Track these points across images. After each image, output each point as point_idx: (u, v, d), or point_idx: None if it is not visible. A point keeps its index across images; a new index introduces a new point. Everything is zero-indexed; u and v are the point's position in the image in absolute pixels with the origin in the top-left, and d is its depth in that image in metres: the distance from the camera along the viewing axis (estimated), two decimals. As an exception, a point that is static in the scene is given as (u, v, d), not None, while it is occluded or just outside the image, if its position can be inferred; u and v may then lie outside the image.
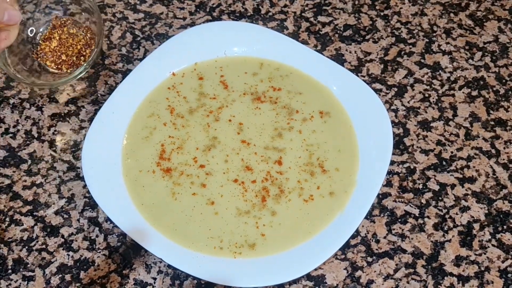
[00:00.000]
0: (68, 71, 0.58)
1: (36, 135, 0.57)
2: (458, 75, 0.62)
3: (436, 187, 0.54)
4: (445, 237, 0.51)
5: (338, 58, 0.62)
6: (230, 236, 0.49)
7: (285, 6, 0.67)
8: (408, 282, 0.49)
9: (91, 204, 0.53)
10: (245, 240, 0.49)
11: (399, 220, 0.52)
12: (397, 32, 0.65)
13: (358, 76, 0.59)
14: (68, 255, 0.50)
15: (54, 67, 0.58)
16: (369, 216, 0.52)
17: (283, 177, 0.52)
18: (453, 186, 0.54)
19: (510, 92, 0.60)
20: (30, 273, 0.49)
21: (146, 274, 0.49)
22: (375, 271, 0.49)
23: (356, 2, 0.68)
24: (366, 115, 0.55)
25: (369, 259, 0.50)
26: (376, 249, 0.50)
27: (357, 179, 0.52)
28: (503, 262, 0.50)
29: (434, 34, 0.65)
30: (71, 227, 0.51)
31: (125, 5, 0.67)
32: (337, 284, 0.49)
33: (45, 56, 0.58)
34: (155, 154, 0.54)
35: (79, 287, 0.48)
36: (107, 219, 0.52)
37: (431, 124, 0.58)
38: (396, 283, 0.49)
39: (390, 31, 0.65)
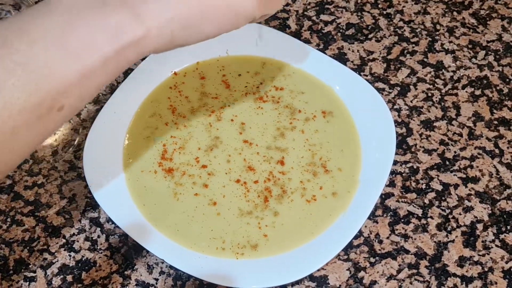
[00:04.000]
0: None
1: (37, 135, 0.56)
2: (461, 74, 0.61)
3: (439, 187, 0.54)
4: (448, 238, 0.51)
5: (341, 57, 0.62)
6: (232, 237, 0.49)
7: (287, 4, 0.67)
8: (411, 283, 0.48)
9: (93, 204, 0.52)
10: (248, 241, 0.49)
11: (402, 220, 0.52)
12: (400, 31, 0.65)
13: (360, 75, 0.59)
14: (70, 255, 0.50)
15: None
16: (372, 216, 0.52)
17: (286, 177, 0.52)
18: (456, 186, 0.54)
19: (513, 91, 0.60)
20: (32, 274, 0.49)
21: (148, 274, 0.49)
22: (378, 272, 0.49)
23: (359, 1, 0.67)
24: (368, 115, 0.55)
25: (372, 259, 0.50)
26: (379, 250, 0.50)
27: (360, 179, 0.52)
28: (506, 262, 0.50)
29: (437, 32, 0.65)
30: (73, 227, 0.51)
31: (127, 4, 0.66)
32: (340, 285, 0.48)
33: None
34: (156, 154, 0.53)
35: (80, 288, 0.48)
36: (109, 220, 0.52)
37: (434, 124, 0.58)
38: (399, 283, 0.48)
39: (392, 30, 0.65)
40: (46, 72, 0.30)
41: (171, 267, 0.49)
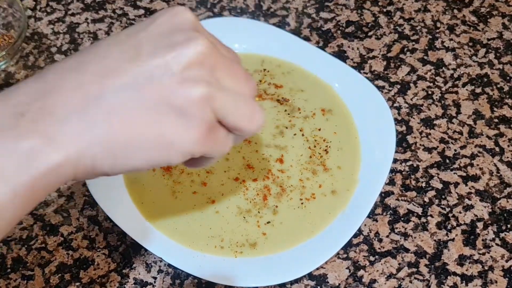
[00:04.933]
0: None
1: (35, 133, 0.56)
2: (462, 72, 0.61)
3: (439, 186, 0.53)
4: (448, 236, 0.51)
5: (341, 55, 0.62)
6: (231, 235, 0.49)
7: (287, 2, 0.66)
8: (411, 282, 0.48)
9: (91, 202, 0.52)
10: (246, 239, 0.49)
11: (402, 219, 0.52)
12: (400, 29, 0.64)
13: (360, 73, 0.59)
14: (68, 254, 0.50)
15: None
16: (372, 214, 0.52)
17: (285, 175, 0.52)
18: (456, 184, 0.54)
19: (514, 89, 0.60)
20: (30, 272, 0.49)
21: (146, 273, 0.49)
22: (377, 271, 0.49)
23: (359, -2, 0.67)
24: (368, 113, 0.55)
25: (372, 258, 0.49)
26: (379, 248, 0.50)
27: (360, 177, 0.52)
28: (507, 261, 0.49)
29: (438, 30, 0.64)
30: (71, 225, 0.51)
31: (125, 1, 0.66)
32: (339, 284, 0.48)
33: None
34: (155, 152, 0.53)
35: (78, 286, 0.48)
36: (107, 218, 0.51)
37: (434, 122, 0.57)
38: (399, 282, 0.48)
39: (393, 27, 0.65)
40: None
41: (169, 265, 0.49)
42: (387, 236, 0.51)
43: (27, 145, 0.27)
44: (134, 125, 0.29)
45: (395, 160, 0.55)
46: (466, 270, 0.49)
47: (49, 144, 0.27)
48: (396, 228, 0.51)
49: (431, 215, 0.52)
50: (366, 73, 0.61)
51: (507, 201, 0.53)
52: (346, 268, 0.49)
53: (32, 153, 0.27)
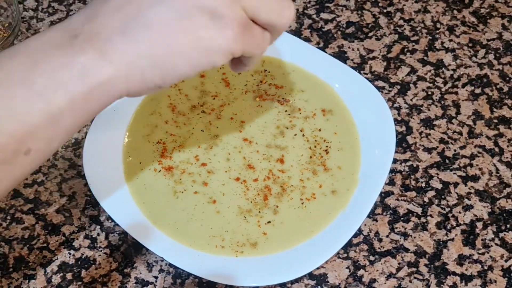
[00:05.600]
0: None
1: (37, 133, 0.56)
2: (462, 73, 0.61)
3: (439, 186, 0.54)
4: (448, 236, 0.51)
5: (341, 56, 0.62)
6: (232, 235, 0.49)
7: (287, 3, 0.66)
8: (410, 281, 0.48)
9: (92, 202, 0.52)
10: (247, 239, 0.49)
11: (402, 218, 0.52)
12: (400, 29, 0.65)
13: (360, 73, 0.59)
14: (69, 253, 0.50)
15: None
16: (372, 214, 0.52)
17: (285, 175, 0.52)
18: (456, 184, 0.54)
19: (513, 89, 0.60)
20: (31, 272, 0.49)
21: (147, 272, 0.49)
22: (377, 270, 0.49)
23: (359, -1, 0.67)
24: (368, 113, 0.55)
25: (372, 258, 0.50)
26: (379, 248, 0.50)
27: (360, 177, 0.52)
28: (506, 261, 0.50)
29: (437, 31, 0.65)
30: (72, 225, 0.51)
31: (127, 2, 0.66)
32: (339, 283, 0.48)
33: None
34: (156, 152, 0.53)
35: (80, 286, 0.48)
36: (108, 218, 0.52)
37: (434, 122, 0.58)
38: (399, 282, 0.48)
39: (393, 28, 0.65)
40: (9, 113, 0.29)
41: (170, 265, 0.49)
42: (387, 236, 0.51)
43: (82, 59, 0.30)
44: (172, 35, 0.31)
45: (395, 160, 0.55)
46: (466, 269, 0.49)
47: (100, 59, 0.30)
48: (396, 228, 0.51)
49: (430, 215, 0.52)
50: (366, 74, 0.61)
51: (507, 201, 0.53)
52: (346, 268, 0.49)
53: (87, 66, 0.30)
